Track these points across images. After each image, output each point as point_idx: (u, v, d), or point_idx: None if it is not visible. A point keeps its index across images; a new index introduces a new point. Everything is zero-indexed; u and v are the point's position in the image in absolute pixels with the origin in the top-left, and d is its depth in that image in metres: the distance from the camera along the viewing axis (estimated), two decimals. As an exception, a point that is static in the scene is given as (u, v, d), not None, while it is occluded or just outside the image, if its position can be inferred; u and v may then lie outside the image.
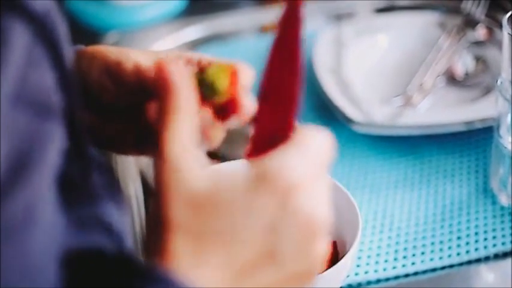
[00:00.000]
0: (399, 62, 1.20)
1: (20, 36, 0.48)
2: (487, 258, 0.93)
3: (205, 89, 0.62)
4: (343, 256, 0.82)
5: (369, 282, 0.92)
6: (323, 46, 1.20)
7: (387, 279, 0.92)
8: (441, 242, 0.94)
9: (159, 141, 0.55)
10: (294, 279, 0.54)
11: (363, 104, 1.09)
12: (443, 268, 0.92)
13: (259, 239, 0.52)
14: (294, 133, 0.57)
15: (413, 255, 0.93)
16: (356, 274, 0.92)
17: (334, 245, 0.88)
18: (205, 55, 0.68)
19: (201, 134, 0.58)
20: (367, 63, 1.20)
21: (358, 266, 0.92)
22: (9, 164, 0.46)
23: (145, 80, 0.66)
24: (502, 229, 0.95)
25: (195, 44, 1.32)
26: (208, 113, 0.63)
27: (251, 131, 0.58)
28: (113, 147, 0.73)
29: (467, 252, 0.93)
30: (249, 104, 0.64)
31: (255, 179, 0.53)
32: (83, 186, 0.57)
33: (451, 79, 1.16)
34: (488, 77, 1.15)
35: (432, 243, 0.95)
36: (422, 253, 0.94)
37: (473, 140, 1.08)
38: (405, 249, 0.94)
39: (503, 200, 0.98)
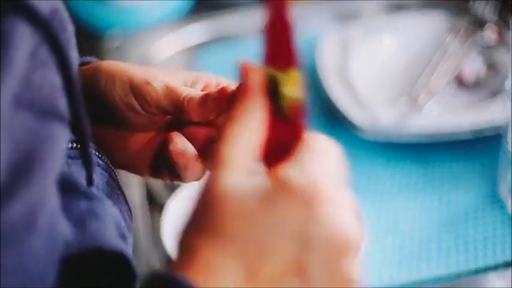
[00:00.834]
0: (406, 64, 1.19)
1: (24, 38, 0.48)
2: (495, 266, 0.91)
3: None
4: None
5: (373, 289, 0.91)
6: (328, 48, 1.19)
7: (392, 286, 0.91)
8: (448, 249, 0.93)
9: (220, 144, 0.51)
10: None
11: (369, 107, 1.07)
12: (450, 276, 0.91)
13: (287, 248, 0.49)
14: (306, 138, 0.54)
15: (419, 261, 0.92)
16: (360, 281, 0.90)
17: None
18: (223, 79, 0.68)
19: None
20: (373, 65, 1.19)
21: (362, 272, 0.91)
22: (12, 166, 0.46)
23: (175, 99, 0.65)
24: (511, 236, 0.94)
25: (198, 46, 1.31)
26: None
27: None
28: (128, 166, 0.71)
29: (475, 259, 0.92)
30: None
31: (277, 188, 0.50)
32: (84, 187, 0.57)
33: (460, 83, 1.14)
34: (498, 81, 1.13)
35: (439, 250, 0.94)
36: (429, 260, 0.93)
37: (481, 146, 1.06)
38: (411, 255, 0.93)
39: (512, 206, 0.97)
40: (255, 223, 0.49)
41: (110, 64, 0.69)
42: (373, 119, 1.05)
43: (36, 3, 0.49)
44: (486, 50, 1.18)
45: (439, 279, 0.91)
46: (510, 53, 0.91)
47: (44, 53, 0.50)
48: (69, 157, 0.58)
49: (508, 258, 0.92)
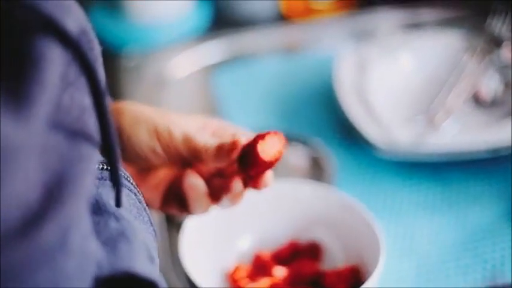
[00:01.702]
0: (423, 82, 1.19)
1: (56, 59, 0.48)
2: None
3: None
4: (365, 281, 0.81)
5: (391, 308, 0.91)
6: (345, 67, 1.19)
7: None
8: (465, 267, 0.93)
9: None
10: None
11: (386, 126, 1.07)
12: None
13: None
14: None
15: (436, 281, 0.92)
16: (378, 300, 0.90)
17: (356, 269, 0.87)
18: (242, 131, 0.77)
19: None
20: (390, 84, 1.18)
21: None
22: (44, 187, 0.47)
23: (193, 148, 0.73)
24: (529, 255, 0.94)
25: (215, 64, 1.31)
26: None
27: None
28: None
29: (493, 277, 0.91)
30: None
31: None
32: (113, 208, 0.58)
33: (477, 102, 1.14)
34: (515, 100, 1.13)
35: (456, 269, 0.93)
36: (446, 279, 0.92)
37: (498, 164, 1.06)
38: (428, 275, 0.93)
39: (529, 225, 0.96)
40: None
41: (134, 107, 0.75)
42: (389, 138, 1.05)
43: (66, 23, 0.49)
44: (503, 69, 1.17)
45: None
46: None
47: (73, 73, 0.50)
48: (97, 178, 0.59)
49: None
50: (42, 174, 0.47)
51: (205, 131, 0.76)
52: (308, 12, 1.38)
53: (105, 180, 0.59)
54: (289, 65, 1.29)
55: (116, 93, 1.22)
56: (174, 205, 0.78)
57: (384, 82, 1.18)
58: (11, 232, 0.45)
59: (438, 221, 1.00)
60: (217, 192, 0.77)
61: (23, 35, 0.47)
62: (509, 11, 1.21)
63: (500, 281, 0.91)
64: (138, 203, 0.64)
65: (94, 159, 0.52)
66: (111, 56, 1.32)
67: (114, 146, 0.55)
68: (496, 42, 1.19)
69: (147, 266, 0.57)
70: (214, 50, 1.33)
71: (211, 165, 0.74)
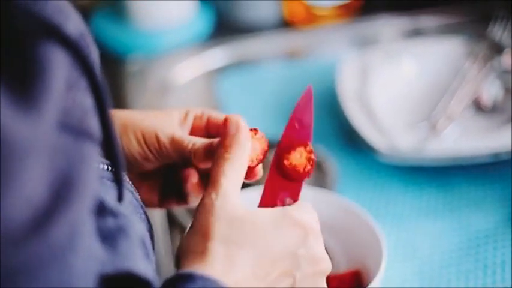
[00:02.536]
0: (425, 88, 1.19)
1: (60, 61, 0.49)
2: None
3: None
4: (367, 285, 0.81)
5: (393, 312, 0.91)
6: (348, 73, 1.19)
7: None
8: (467, 272, 0.93)
9: (215, 171, 0.67)
10: None
11: (388, 132, 1.08)
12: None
13: (283, 259, 0.65)
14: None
15: (439, 285, 0.92)
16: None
17: (358, 273, 0.87)
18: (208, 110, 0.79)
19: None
20: (392, 90, 1.19)
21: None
22: (52, 187, 0.47)
23: (181, 151, 0.73)
24: (530, 260, 0.94)
25: (218, 70, 1.32)
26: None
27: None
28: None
29: (494, 282, 0.92)
30: None
31: (282, 215, 0.67)
32: (110, 204, 0.58)
33: (478, 108, 1.15)
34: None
35: (458, 273, 0.94)
36: (448, 283, 0.93)
37: (500, 169, 1.06)
38: (430, 279, 0.93)
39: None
40: (266, 238, 0.64)
41: (121, 114, 0.75)
42: (392, 144, 1.06)
43: (67, 27, 0.50)
44: (504, 75, 1.18)
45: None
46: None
47: (74, 75, 0.51)
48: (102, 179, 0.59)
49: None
50: (50, 174, 0.47)
51: (188, 118, 0.77)
52: (311, 18, 1.39)
53: (102, 178, 0.60)
54: (292, 71, 1.30)
55: (120, 99, 1.23)
56: (172, 199, 0.79)
57: (386, 88, 1.18)
58: (21, 231, 0.45)
59: (440, 226, 1.00)
60: None
61: (27, 40, 0.48)
62: (510, 17, 1.21)
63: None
64: (134, 200, 0.65)
65: (96, 157, 0.53)
66: (115, 61, 1.33)
67: (116, 142, 0.55)
68: (497, 49, 1.20)
69: (143, 263, 0.57)
70: (218, 55, 1.34)
71: (201, 166, 0.73)
